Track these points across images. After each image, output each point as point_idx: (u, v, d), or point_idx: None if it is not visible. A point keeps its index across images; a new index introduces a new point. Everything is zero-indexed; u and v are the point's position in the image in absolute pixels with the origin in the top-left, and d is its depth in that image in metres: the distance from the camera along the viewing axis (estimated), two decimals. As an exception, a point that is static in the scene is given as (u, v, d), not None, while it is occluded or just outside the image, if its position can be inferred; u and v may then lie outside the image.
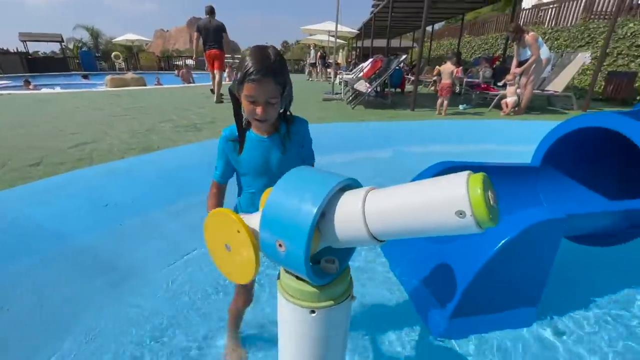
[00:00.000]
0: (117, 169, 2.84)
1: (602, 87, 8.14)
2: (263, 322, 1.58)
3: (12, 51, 23.33)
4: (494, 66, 8.64)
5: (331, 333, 0.74)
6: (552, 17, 11.22)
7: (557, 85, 6.43)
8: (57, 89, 10.09)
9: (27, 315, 1.54)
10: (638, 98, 7.05)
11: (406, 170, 2.25)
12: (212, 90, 7.65)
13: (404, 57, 6.88)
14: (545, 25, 11.05)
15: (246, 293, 1.32)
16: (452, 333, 1.58)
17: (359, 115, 5.77)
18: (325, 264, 0.73)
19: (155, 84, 11.98)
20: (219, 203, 1.13)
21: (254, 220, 0.71)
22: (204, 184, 2.81)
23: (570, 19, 10.32)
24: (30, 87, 10.53)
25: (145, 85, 11.58)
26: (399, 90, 10.04)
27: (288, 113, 1.07)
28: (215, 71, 6.87)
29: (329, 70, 16.39)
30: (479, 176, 0.48)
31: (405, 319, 1.67)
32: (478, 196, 0.46)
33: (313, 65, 16.21)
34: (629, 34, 7.52)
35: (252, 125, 1.04)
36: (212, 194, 1.13)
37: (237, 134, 1.04)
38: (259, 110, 0.93)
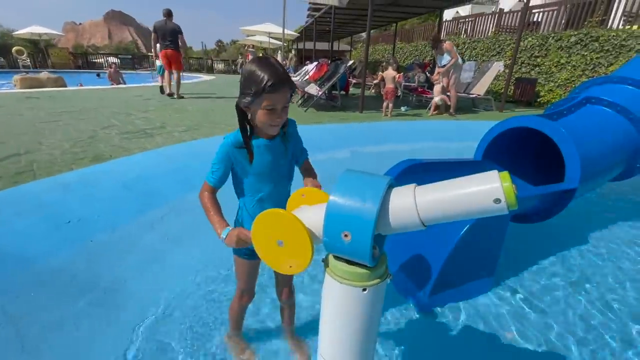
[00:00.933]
0: (71, 181, 2.59)
1: (512, 91, 9.60)
2: (264, 320, 1.67)
3: None
4: (426, 71, 9.59)
5: (376, 308, 0.90)
6: (469, 29, 12.80)
7: (479, 89, 7.43)
8: None
9: (6, 351, 1.40)
10: (539, 100, 8.48)
11: (366, 169, 2.48)
12: (162, 89, 8.05)
13: (350, 62, 7.29)
14: (464, 36, 12.56)
15: (250, 290, 1.37)
16: (431, 306, 1.85)
17: (312, 118, 5.98)
18: (373, 250, 0.88)
19: (79, 86, 10.72)
20: (218, 205, 1.11)
21: (303, 216, 0.85)
22: (175, 193, 2.74)
23: (484, 31, 11.89)
24: None
25: (65, 86, 10.28)
26: (343, 92, 10.51)
27: None
28: (173, 70, 7.32)
29: None
30: (506, 174, 0.68)
31: (391, 300, 1.89)
32: (509, 187, 0.66)
33: None
34: (528, 47, 8.99)
35: (258, 131, 1.07)
36: (208, 197, 1.10)
37: (242, 141, 1.05)
38: (278, 116, 1.00)
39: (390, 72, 6.15)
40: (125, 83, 12.12)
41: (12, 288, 1.64)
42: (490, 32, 11.39)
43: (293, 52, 18.61)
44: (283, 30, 8.23)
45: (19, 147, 3.49)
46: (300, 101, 7.53)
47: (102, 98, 7.64)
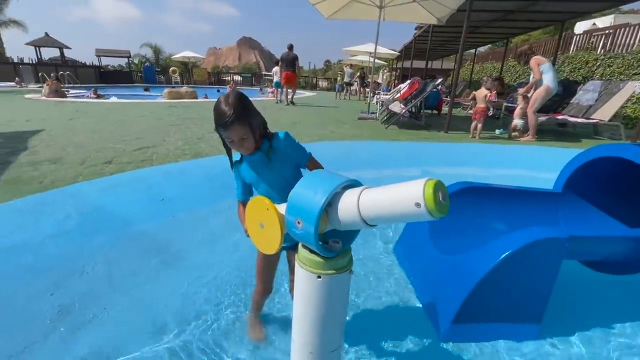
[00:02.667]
0: (172, 170, 3.31)
1: (660, 117, 7.62)
2: (279, 309, 1.83)
3: (88, 64, 26.62)
4: (536, 92, 8.42)
5: (331, 297, 0.97)
6: (608, 42, 10.72)
7: (603, 113, 6.17)
8: (113, 99, 11.40)
9: (99, 280, 1.93)
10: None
11: None
12: (279, 100, 11.29)
13: (439, 80, 7.01)
14: (598, 51, 10.57)
15: (265, 283, 1.52)
16: (454, 336, 1.71)
17: (391, 135, 5.97)
18: (333, 244, 0.97)
19: (204, 98, 13.08)
20: None
21: (281, 208, 0.99)
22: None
23: (627, 44, 9.81)
24: (95, 95, 11.90)
25: (197, 98, 12.70)
26: (435, 112, 10.08)
27: (268, 132, 1.26)
28: (290, 86, 10.64)
29: (367, 89, 16.69)
30: (433, 181, 0.71)
31: (413, 318, 1.83)
32: (430, 194, 0.68)
33: (348, 84, 16.29)
34: (691, 63, 7.04)
35: None
36: (241, 211, 1.36)
37: (240, 160, 1.30)
38: (238, 146, 1.18)
39: (482, 91, 5.69)
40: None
41: (114, 240, 2.24)
42: (635, 45, 9.33)
43: (386, 71, 18.77)
44: (375, 50, 8.46)
45: (150, 141, 4.57)
46: (384, 118, 7.57)
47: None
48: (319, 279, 0.94)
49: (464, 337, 1.71)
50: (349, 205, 0.85)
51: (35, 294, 1.71)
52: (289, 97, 10.67)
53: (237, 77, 26.44)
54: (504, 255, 1.62)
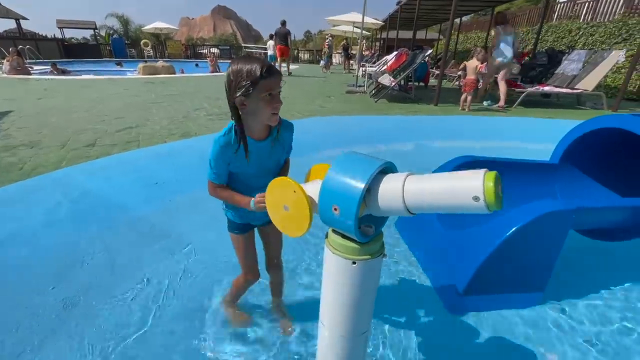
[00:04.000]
0: (162, 152, 3.15)
1: (638, 86, 7.85)
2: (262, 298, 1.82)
3: (49, 37, 24.52)
4: (523, 62, 8.46)
5: (365, 283, 0.96)
6: (588, 11, 10.76)
7: (587, 83, 6.29)
8: (91, 76, 10.64)
9: (101, 269, 1.85)
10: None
11: (427, 164, 2.42)
12: None
13: (429, 51, 6.89)
14: (581, 20, 10.62)
15: (253, 270, 1.46)
16: (463, 309, 1.77)
17: (382, 109, 5.90)
18: (365, 228, 0.94)
19: (181, 72, 12.43)
20: (232, 190, 1.20)
21: (307, 188, 0.94)
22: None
23: (608, 14, 9.88)
24: (55, 71, 10.93)
25: (174, 73, 12.04)
26: (422, 84, 10.00)
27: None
28: (284, 58, 11.28)
29: (351, 62, 16.23)
30: (493, 173, 0.68)
31: (420, 292, 1.87)
32: (491, 187, 0.65)
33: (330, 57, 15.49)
34: (670, 31, 7.19)
35: (248, 131, 1.12)
36: (221, 189, 1.19)
37: (232, 142, 1.10)
38: (277, 101, 1.06)
39: (472, 62, 5.64)
40: (220, 71, 13.59)
41: (112, 226, 2.14)
42: (617, 14, 9.41)
43: (363, 43, 18.39)
44: (362, 19, 8.16)
45: (132, 121, 4.32)
46: (373, 91, 7.45)
47: (200, 84, 8.77)
48: (354, 265, 0.92)
49: (472, 308, 1.77)
50: (391, 193, 0.81)
51: (36, 288, 1.63)
52: (287, 69, 11.73)
53: (215, 50, 25.09)
54: (514, 229, 1.65)
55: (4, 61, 10.46)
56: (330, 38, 15.98)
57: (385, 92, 6.79)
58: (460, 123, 5.01)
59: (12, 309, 1.51)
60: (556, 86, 6.83)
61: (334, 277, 0.97)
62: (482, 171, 0.68)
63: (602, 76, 6.22)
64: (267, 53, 14.24)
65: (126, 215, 2.28)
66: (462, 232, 2.01)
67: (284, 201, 0.94)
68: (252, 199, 1.14)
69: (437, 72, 10.68)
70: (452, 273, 1.88)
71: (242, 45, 28.77)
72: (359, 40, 10.55)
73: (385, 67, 8.45)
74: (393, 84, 6.66)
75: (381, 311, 1.73)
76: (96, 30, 26.79)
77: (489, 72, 6.41)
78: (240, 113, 1.07)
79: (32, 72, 10.78)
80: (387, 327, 1.61)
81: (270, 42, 12.53)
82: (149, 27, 24.13)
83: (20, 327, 1.45)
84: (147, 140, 3.49)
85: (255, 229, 1.43)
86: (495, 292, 1.80)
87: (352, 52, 15.90)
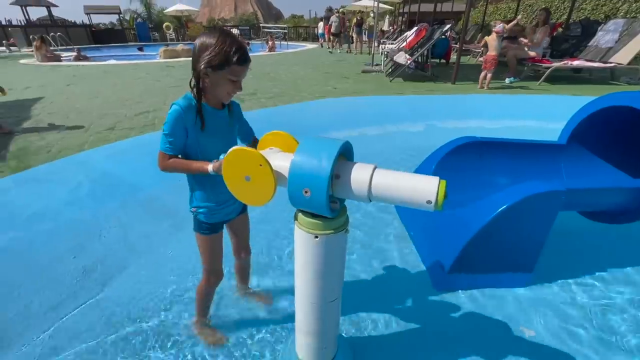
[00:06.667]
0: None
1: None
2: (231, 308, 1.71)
3: (78, 24, 25.38)
4: (554, 34, 7.86)
5: (329, 255, 1.04)
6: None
7: (622, 56, 5.80)
8: (116, 61, 10.97)
9: (116, 242, 2.06)
10: None
11: (432, 145, 2.42)
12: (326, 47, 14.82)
13: (447, 26, 6.56)
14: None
15: (218, 269, 1.41)
16: (450, 286, 1.83)
17: (396, 89, 5.78)
18: (332, 204, 1.01)
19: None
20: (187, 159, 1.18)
21: (271, 158, 0.96)
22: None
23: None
24: (80, 57, 11.16)
25: (194, 56, 12.21)
26: (443, 61, 9.59)
27: None
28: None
29: (364, 39, 15.35)
30: (444, 182, 0.83)
31: (411, 269, 1.94)
32: (442, 195, 0.82)
33: (335, 35, 13.82)
34: None
35: (207, 99, 1.13)
36: (175, 159, 1.17)
37: (193, 106, 1.10)
38: (238, 88, 1.09)
39: (493, 37, 5.34)
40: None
41: (127, 204, 2.34)
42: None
43: (387, 19, 17.36)
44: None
45: (150, 106, 4.53)
46: (389, 70, 7.26)
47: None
48: (317, 239, 1.00)
49: (457, 286, 1.83)
50: (359, 182, 0.90)
51: (59, 257, 1.85)
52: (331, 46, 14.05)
53: (235, 31, 25.03)
54: (500, 209, 1.66)
55: (33, 49, 11.02)
56: (336, 16, 13.94)
57: (400, 70, 6.60)
58: (475, 102, 4.84)
59: (39, 275, 1.74)
60: (588, 60, 6.35)
61: (300, 249, 1.06)
62: (435, 180, 0.83)
63: (639, 48, 5.71)
64: (285, 32, 19.87)
65: (140, 194, 2.48)
66: (454, 211, 2.03)
67: (246, 172, 0.95)
68: (210, 163, 1.09)
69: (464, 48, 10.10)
70: (441, 251, 1.93)
71: (261, 25, 28.41)
72: (372, 15, 10.07)
73: (404, 44, 8.15)
74: (409, 62, 6.46)
75: (368, 288, 1.82)
76: (121, 15, 27.36)
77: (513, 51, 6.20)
78: (200, 81, 1.08)
79: (62, 58, 11.33)
80: (372, 304, 1.69)
81: (320, 24, 16.10)
82: (170, 9, 24.33)
83: (47, 289, 1.67)
84: (161, 124, 3.66)
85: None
86: (482, 271, 1.84)
87: (365, 28, 15.03)
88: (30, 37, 16.86)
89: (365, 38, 15.18)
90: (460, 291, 1.80)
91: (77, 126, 3.64)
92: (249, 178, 0.98)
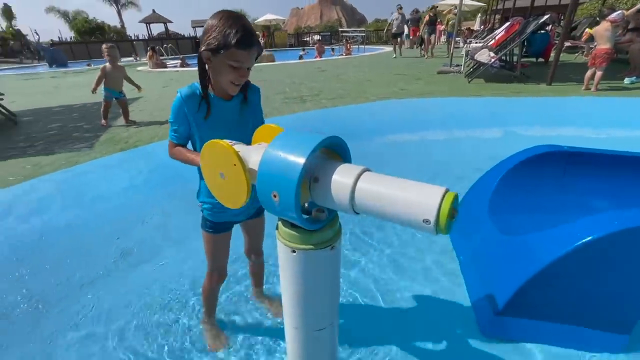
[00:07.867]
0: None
1: None
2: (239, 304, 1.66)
3: (187, 36, 29.42)
4: None
5: (309, 274, 0.85)
6: None
7: None
8: None
9: (155, 229, 2.18)
10: None
11: (499, 155, 2.03)
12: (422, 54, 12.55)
13: (545, 17, 5.58)
14: None
15: (221, 268, 1.36)
16: (502, 333, 1.44)
17: (472, 90, 5.13)
18: (317, 213, 0.82)
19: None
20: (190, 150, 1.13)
21: (249, 159, 0.82)
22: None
23: None
24: (184, 64, 12.90)
25: (274, 61, 12.96)
26: (541, 59, 8.26)
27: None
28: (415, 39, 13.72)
29: (441, 39, 14.32)
30: (452, 195, 0.57)
31: (455, 308, 1.60)
32: (445, 212, 0.56)
33: (396, 36, 12.30)
34: None
35: (215, 88, 1.05)
36: (179, 149, 1.12)
37: (197, 94, 1.04)
38: (242, 75, 0.98)
39: (603, 26, 4.29)
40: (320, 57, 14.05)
41: (174, 194, 2.48)
42: None
43: (479, 17, 15.62)
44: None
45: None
46: (469, 70, 6.52)
47: (290, 71, 9.22)
48: (294, 254, 0.82)
49: (512, 335, 1.42)
50: (340, 190, 0.68)
51: (106, 237, 2.04)
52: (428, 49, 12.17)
53: (316, 36, 25.94)
54: (582, 241, 1.23)
55: (147, 58, 13.07)
56: (398, 13, 12.58)
57: (481, 70, 5.86)
58: (575, 106, 3.96)
59: (86, 252, 1.93)
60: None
61: (280, 263, 0.90)
62: (440, 190, 0.58)
63: None
64: (363, 35, 19.52)
65: (188, 186, 2.59)
66: (518, 237, 1.61)
67: (220, 168, 0.84)
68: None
69: (568, 44, 8.54)
70: (491, 288, 1.53)
71: (340, 29, 28.86)
72: (454, 13, 9.19)
73: (492, 42, 7.25)
74: (492, 60, 5.68)
75: (393, 320, 1.54)
76: (219, 27, 30.77)
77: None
78: (205, 67, 1.01)
79: (168, 65, 13.19)
80: (399, 338, 1.42)
81: (405, 27, 14.44)
82: (260, 19, 26.45)
83: (88, 266, 1.84)
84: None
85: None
86: (550, 319, 1.40)
87: (440, 27, 13.87)
88: (146, 48, 20.22)
89: (443, 38, 14.16)
90: (521, 342, 1.39)
91: (156, 122, 4.10)
92: (223, 175, 0.85)
